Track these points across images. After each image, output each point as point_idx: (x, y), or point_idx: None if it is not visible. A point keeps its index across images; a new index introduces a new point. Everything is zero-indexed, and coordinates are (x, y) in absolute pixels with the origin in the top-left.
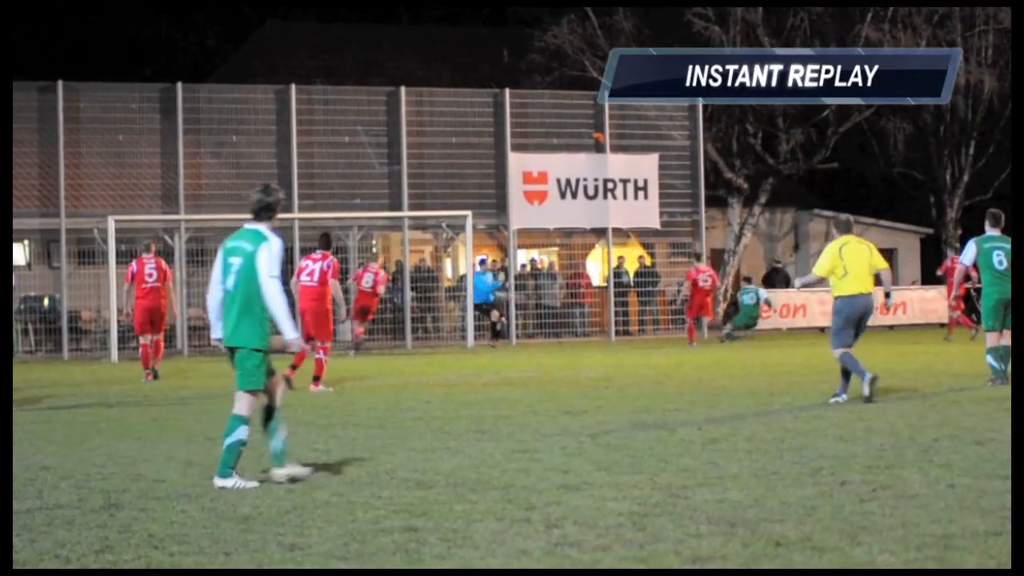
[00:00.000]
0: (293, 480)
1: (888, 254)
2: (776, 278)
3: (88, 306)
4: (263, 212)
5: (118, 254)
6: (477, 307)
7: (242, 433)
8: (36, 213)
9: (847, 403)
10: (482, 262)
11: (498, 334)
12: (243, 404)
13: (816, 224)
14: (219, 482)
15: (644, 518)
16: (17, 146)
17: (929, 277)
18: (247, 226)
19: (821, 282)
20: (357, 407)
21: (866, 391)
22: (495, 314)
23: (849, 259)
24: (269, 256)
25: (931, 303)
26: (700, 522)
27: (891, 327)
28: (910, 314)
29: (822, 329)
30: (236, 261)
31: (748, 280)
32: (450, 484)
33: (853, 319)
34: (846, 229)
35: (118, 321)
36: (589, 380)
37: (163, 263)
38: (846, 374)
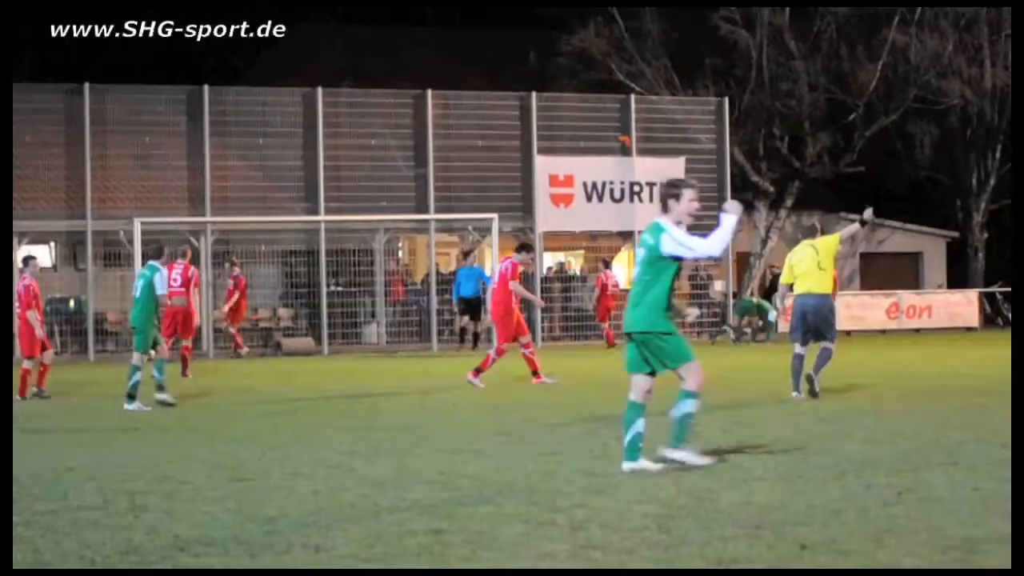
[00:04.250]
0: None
1: (914, 258)
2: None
3: (114, 308)
4: (665, 203)
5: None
6: (463, 301)
7: (690, 406)
8: (63, 215)
9: (869, 406)
10: (466, 255)
11: (476, 336)
12: (691, 379)
13: (842, 227)
14: (671, 453)
15: (669, 520)
16: (44, 148)
17: (955, 281)
18: (655, 219)
19: (792, 289)
20: (382, 409)
21: (791, 395)
22: (472, 322)
23: (796, 263)
24: (672, 240)
25: (957, 307)
26: (725, 525)
27: (917, 330)
28: (936, 317)
29: (848, 332)
30: (641, 252)
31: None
32: (475, 486)
33: (799, 317)
34: (808, 235)
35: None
36: (614, 382)
37: (190, 270)
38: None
